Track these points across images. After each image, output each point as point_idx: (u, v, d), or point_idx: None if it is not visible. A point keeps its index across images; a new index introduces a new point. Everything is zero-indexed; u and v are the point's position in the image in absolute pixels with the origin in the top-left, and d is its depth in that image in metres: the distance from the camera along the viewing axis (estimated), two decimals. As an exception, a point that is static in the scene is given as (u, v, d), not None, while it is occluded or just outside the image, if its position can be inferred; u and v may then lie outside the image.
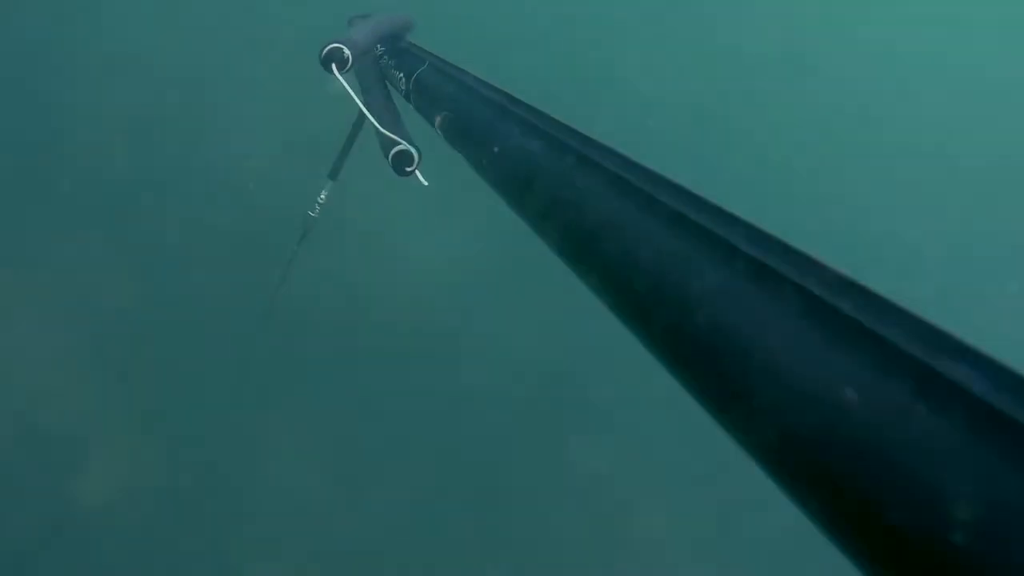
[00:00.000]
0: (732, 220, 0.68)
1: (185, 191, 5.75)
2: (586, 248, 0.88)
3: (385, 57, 2.18)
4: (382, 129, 2.01)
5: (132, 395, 4.65)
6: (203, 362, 4.84)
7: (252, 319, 4.70)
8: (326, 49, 1.87)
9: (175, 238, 5.47)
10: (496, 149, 1.23)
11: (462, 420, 5.28)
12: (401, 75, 2.02)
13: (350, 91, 1.91)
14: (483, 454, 5.14)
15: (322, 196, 2.93)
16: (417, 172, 2.05)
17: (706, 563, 5.22)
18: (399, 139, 2.00)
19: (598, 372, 5.59)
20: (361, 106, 1.97)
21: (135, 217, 5.48)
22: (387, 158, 2.04)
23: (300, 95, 5.91)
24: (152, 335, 4.89)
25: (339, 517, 4.65)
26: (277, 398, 4.97)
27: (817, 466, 0.52)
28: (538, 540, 4.95)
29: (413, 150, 2.01)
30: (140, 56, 6.78)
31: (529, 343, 5.98)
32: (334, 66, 1.86)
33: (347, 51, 1.87)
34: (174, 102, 6.44)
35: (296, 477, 4.72)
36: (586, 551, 5.04)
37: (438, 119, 1.58)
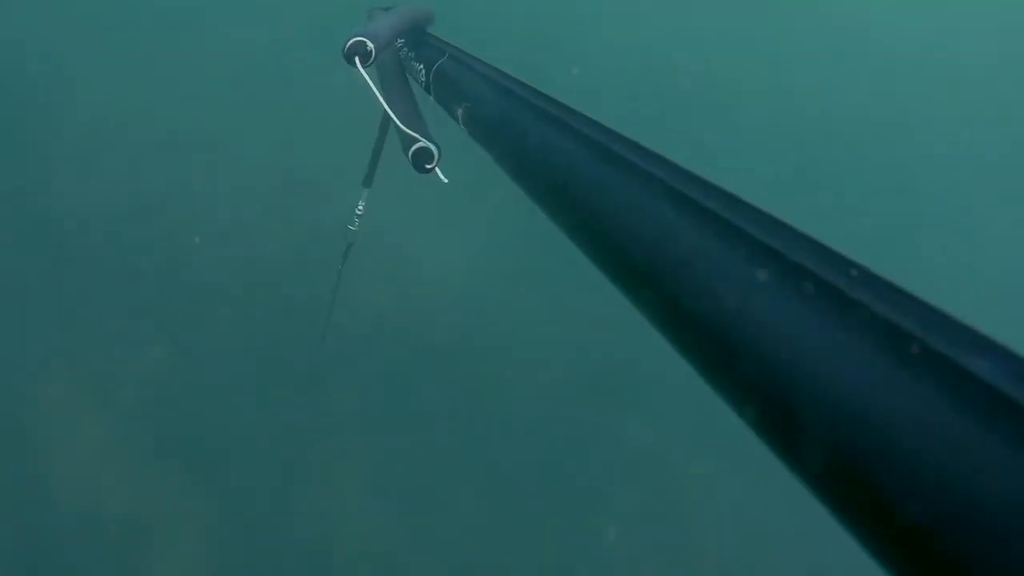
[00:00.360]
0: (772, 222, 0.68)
1: (210, 264, 5.71)
2: (610, 243, 0.89)
3: (405, 49, 2.17)
4: (402, 126, 1.99)
5: (190, 469, 4.65)
6: (252, 422, 4.84)
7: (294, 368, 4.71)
8: (349, 42, 1.84)
9: (212, 317, 5.43)
10: (518, 142, 1.23)
11: (515, 422, 5.25)
12: (421, 66, 2.01)
13: (372, 85, 1.89)
14: (541, 452, 5.11)
15: (360, 207, 2.82)
16: (437, 169, 2.03)
17: (761, 540, 5.12)
18: (419, 136, 1.98)
19: (645, 351, 5.40)
20: (382, 101, 1.96)
21: (166, 297, 5.47)
22: (407, 155, 2.02)
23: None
24: (196, 404, 4.91)
25: (413, 540, 4.67)
26: (334, 436, 4.97)
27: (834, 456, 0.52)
28: (608, 531, 4.90)
29: (433, 147, 1.99)
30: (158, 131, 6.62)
31: (568, 335, 5.87)
32: (357, 60, 1.83)
33: (370, 44, 1.84)
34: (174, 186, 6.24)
35: (369, 516, 4.73)
36: (659, 541, 5.01)
37: (460, 112, 1.58)
